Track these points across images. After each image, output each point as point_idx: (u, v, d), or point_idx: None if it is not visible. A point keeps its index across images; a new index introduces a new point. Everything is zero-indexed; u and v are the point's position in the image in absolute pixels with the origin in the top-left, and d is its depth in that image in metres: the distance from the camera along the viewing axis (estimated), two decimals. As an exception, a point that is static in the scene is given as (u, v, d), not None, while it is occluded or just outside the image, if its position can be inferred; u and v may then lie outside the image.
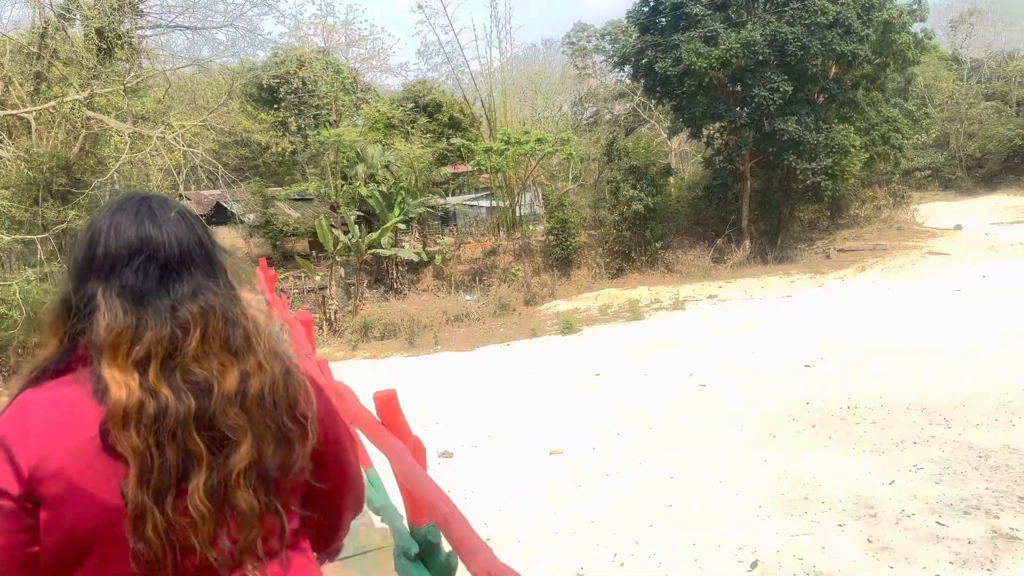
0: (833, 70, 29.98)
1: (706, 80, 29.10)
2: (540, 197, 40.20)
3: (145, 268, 1.31)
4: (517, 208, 36.32)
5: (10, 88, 25.17)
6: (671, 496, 9.80)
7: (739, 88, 30.43)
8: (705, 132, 32.56)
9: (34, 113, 24.21)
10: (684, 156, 43.79)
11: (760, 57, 28.23)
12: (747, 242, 31.37)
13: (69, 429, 1.21)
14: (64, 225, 23.15)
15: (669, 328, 21.42)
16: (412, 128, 37.87)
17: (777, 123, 28.92)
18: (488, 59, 39.30)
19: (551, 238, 31.58)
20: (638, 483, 10.43)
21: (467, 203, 37.36)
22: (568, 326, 22.89)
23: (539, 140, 30.76)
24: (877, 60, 31.65)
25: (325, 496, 1.47)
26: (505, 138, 30.87)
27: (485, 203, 39.36)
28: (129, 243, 1.31)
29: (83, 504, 1.18)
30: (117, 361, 1.23)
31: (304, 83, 38.65)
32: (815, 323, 19.93)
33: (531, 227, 35.18)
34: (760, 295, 25.47)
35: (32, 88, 25.71)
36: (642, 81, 32.83)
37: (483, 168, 32.76)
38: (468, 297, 30.07)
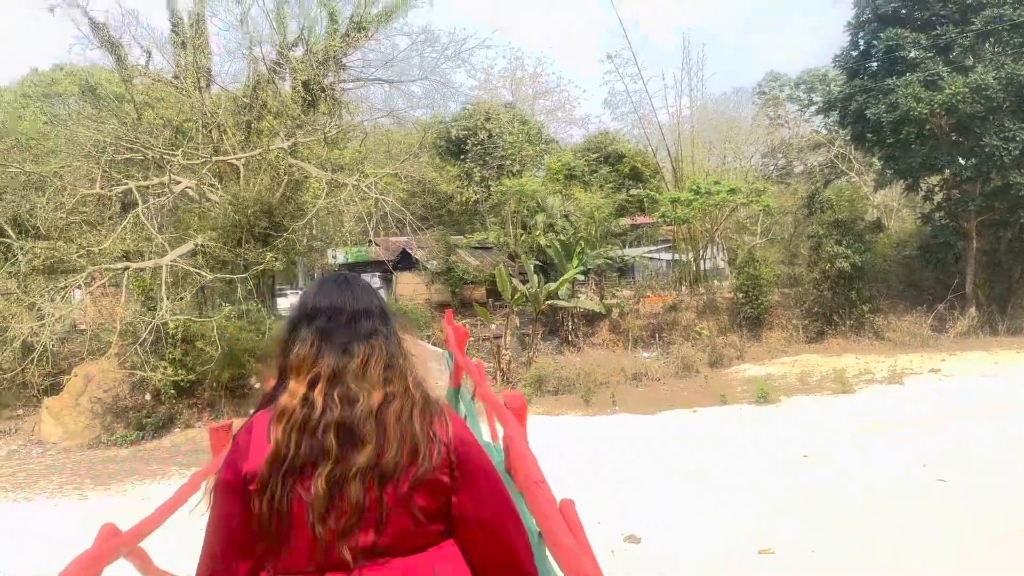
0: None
1: (926, 128, 26.03)
2: (725, 251, 37.96)
3: (334, 317, 1.76)
4: (701, 262, 34.31)
5: (224, 137, 27.20)
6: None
7: (963, 137, 26.99)
8: (923, 185, 29.14)
9: (243, 160, 25.89)
10: (889, 211, 39.87)
11: (994, 102, 24.89)
12: (972, 309, 27.42)
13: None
14: (262, 266, 24.35)
15: (886, 405, 18.63)
16: (593, 178, 37.25)
17: (1012, 176, 25.25)
18: (677, 108, 37.82)
19: (740, 295, 29.30)
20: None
21: (647, 255, 35.87)
22: (764, 395, 20.65)
23: (732, 190, 28.85)
24: None
25: (479, 522, 1.73)
26: (694, 188, 29.24)
27: (666, 256, 37.69)
28: (327, 301, 1.79)
29: None
30: (298, 379, 1.69)
31: (490, 135, 39.28)
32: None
33: (716, 282, 33.02)
34: (994, 371, 21.82)
35: (243, 137, 27.62)
36: (849, 129, 30.07)
37: (668, 219, 31.24)
38: (647, 354, 28.41)
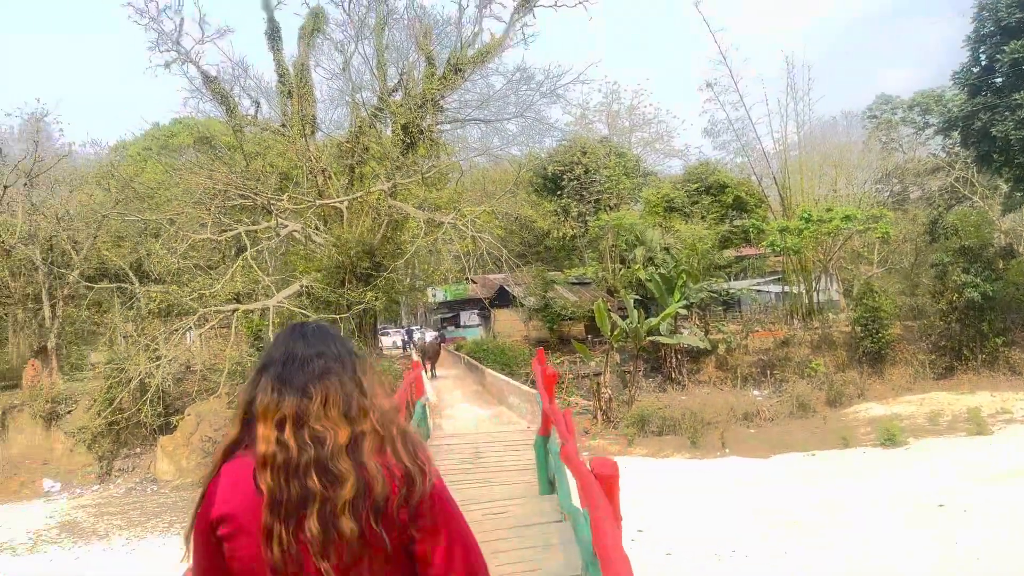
0: None
1: (1063, 143, 23.84)
2: (840, 282, 35.89)
3: (288, 363, 1.80)
4: (814, 294, 32.50)
5: (328, 182, 27.97)
6: None
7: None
8: (1061, 207, 26.66)
9: (346, 203, 26.47)
10: (1019, 237, 36.84)
11: None
12: None
13: (242, 488, 1.68)
14: (363, 305, 24.64)
15: (1031, 448, 16.74)
16: (694, 209, 36.14)
17: None
18: (783, 134, 36.27)
19: (858, 329, 27.43)
20: None
21: (754, 288, 34.30)
22: (890, 437, 19.02)
23: (846, 217, 27.18)
24: None
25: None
26: (805, 216, 27.73)
27: (775, 288, 35.99)
28: (282, 350, 1.83)
29: (248, 540, 1.64)
30: (266, 424, 1.71)
31: (587, 170, 38.91)
32: None
33: (831, 315, 31.12)
34: None
35: (346, 181, 28.31)
36: (972, 149, 27.95)
37: (777, 249, 29.77)
38: (757, 392, 26.92)
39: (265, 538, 1.61)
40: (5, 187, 27.84)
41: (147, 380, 22.53)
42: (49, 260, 30.99)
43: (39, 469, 24.35)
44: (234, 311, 23.47)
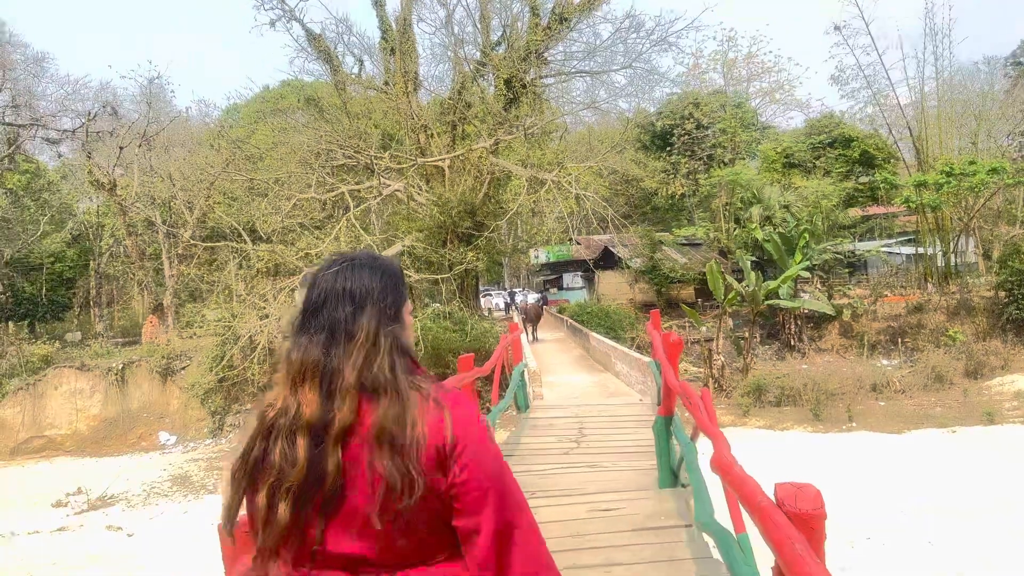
0: None
1: None
2: (980, 243, 32.66)
3: (311, 308, 1.56)
4: (951, 256, 29.63)
5: (430, 140, 27.44)
6: None
7: None
8: None
9: (448, 161, 25.88)
10: None
11: None
12: None
13: None
14: (464, 265, 24.11)
15: None
16: (816, 164, 33.60)
17: None
18: (919, 81, 32.89)
19: (1002, 294, 24.73)
20: None
21: (884, 249, 31.60)
22: (1046, 414, 16.86)
23: (993, 170, 24.34)
24: None
25: (479, 543, 1.47)
26: (947, 169, 25.01)
27: (906, 250, 33.13)
28: (313, 292, 1.58)
29: None
30: (284, 377, 1.50)
31: (698, 125, 36.84)
32: None
33: (969, 279, 28.27)
34: None
35: (448, 139, 27.70)
36: None
37: (912, 206, 27.17)
38: (887, 362, 24.79)
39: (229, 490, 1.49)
40: (121, 148, 28.80)
41: (256, 338, 22.87)
42: (168, 221, 32.22)
43: (156, 422, 25.36)
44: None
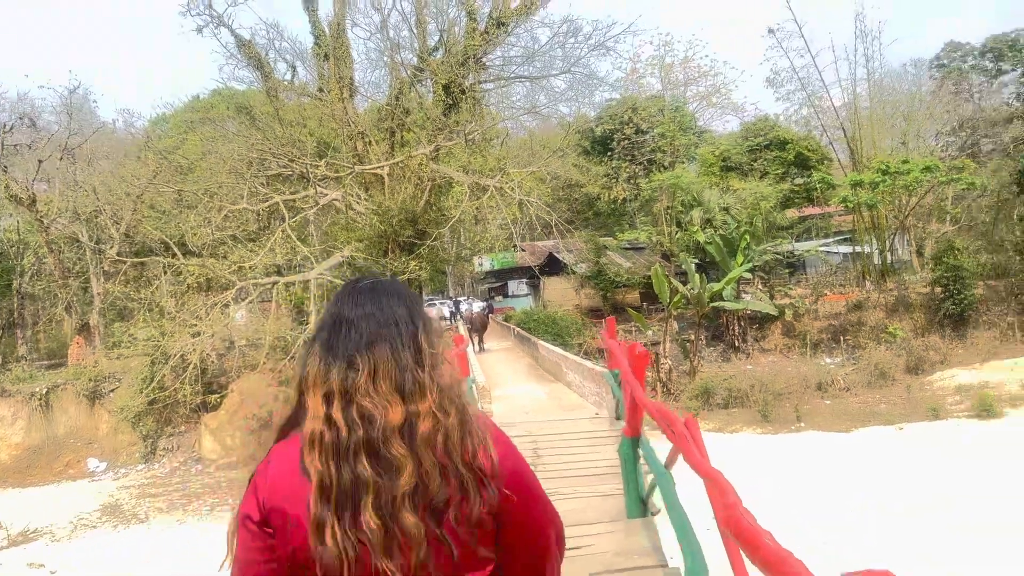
0: None
1: None
2: (913, 241, 33.48)
3: (337, 328, 1.53)
4: (888, 254, 30.27)
5: (368, 147, 26.70)
6: None
7: None
8: None
9: (387, 168, 25.18)
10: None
11: None
12: None
13: (292, 472, 1.43)
14: (407, 275, 23.44)
15: None
16: (753, 167, 34.03)
17: None
18: (851, 82, 33.63)
19: (938, 290, 25.30)
20: None
21: (822, 249, 32.10)
22: (986, 407, 17.13)
23: (927, 169, 24.88)
24: None
25: (522, 560, 1.52)
26: (882, 168, 25.45)
27: (844, 249, 33.76)
28: (335, 312, 1.58)
29: (299, 532, 1.39)
30: (315, 397, 1.46)
31: (637, 129, 36.95)
32: None
33: (906, 277, 28.88)
34: None
35: (387, 146, 27.01)
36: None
37: (849, 205, 27.61)
38: (830, 360, 25.07)
39: (315, 530, 1.36)
40: (40, 161, 27.26)
41: (188, 356, 21.78)
42: (93, 236, 30.60)
43: (84, 449, 23.96)
44: (273, 284, 22.54)
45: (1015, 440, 15.15)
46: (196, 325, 22.03)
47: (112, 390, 25.28)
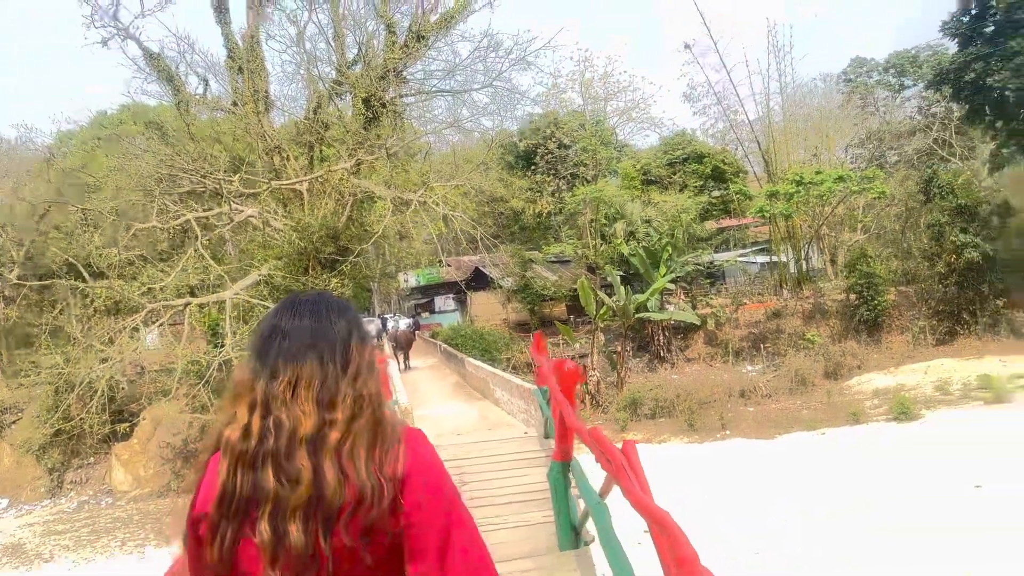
0: None
1: (1066, 89, 22.62)
2: (827, 250, 34.68)
3: (269, 339, 1.54)
4: (804, 263, 31.22)
5: (286, 162, 25.91)
6: None
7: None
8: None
9: (306, 184, 24.46)
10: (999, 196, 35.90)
11: None
12: None
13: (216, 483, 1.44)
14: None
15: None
16: (672, 180, 34.72)
17: None
18: (765, 95, 34.71)
19: (853, 297, 26.19)
20: None
21: (740, 259, 32.90)
22: (903, 410, 17.68)
23: (839, 179, 25.79)
24: None
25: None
26: (797, 179, 26.25)
27: (761, 258, 34.68)
28: (269, 323, 1.59)
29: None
30: (240, 406, 1.48)
31: (560, 144, 37.20)
32: None
33: (821, 284, 29.85)
34: None
35: (306, 161, 26.30)
36: (963, 103, 26.75)
37: (765, 216, 28.36)
38: (751, 368, 25.60)
39: (210, 538, 1.40)
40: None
41: (95, 384, 20.54)
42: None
43: (-17, 486, 22.34)
44: (186, 305, 21.52)
45: (932, 441, 15.66)
46: (104, 351, 20.82)
47: (14, 422, 23.82)
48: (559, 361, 4.77)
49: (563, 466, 4.69)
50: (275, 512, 1.38)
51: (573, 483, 4.55)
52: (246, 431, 1.44)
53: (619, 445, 2.81)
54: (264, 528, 1.37)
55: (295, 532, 1.37)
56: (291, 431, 1.43)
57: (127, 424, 22.31)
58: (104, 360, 20.98)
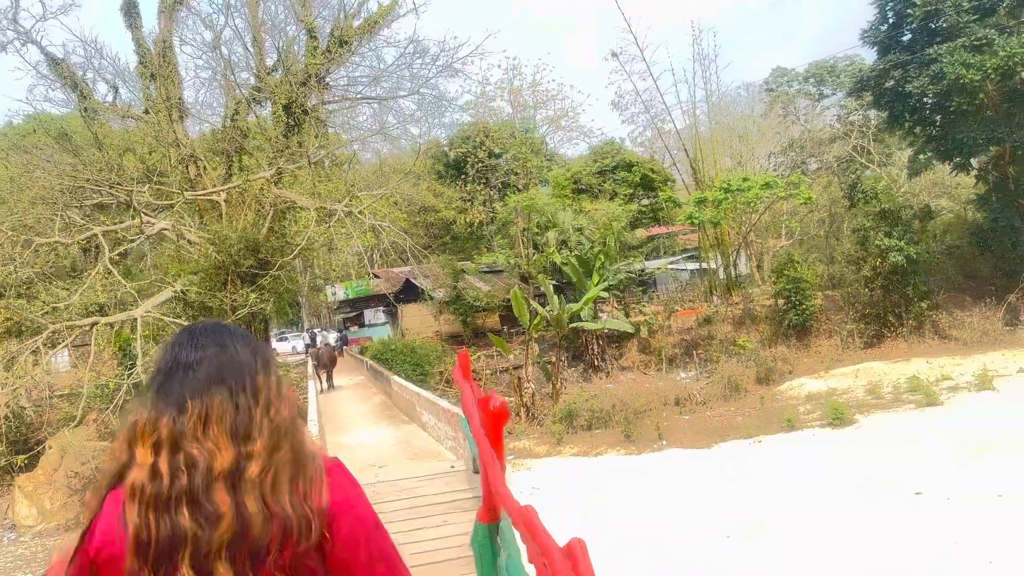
0: None
1: (979, 98, 23.32)
2: (754, 256, 35.18)
3: (172, 373, 1.46)
4: (732, 269, 31.52)
5: (203, 172, 24.69)
6: None
7: (1019, 108, 24.34)
8: (975, 164, 26.35)
9: (223, 194, 23.32)
10: (918, 201, 37.30)
11: (1054, 64, 22.27)
12: (1050, 297, 24.51)
13: (118, 527, 1.37)
14: (248, 308, 21.66)
15: (989, 417, 15.70)
16: (603, 188, 34.69)
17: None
18: (691, 103, 35.11)
19: (781, 302, 26.47)
20: None
21: (671, 266, 33.04)
22: (838, 415, 17.75)
23: (766, 185, 26.06)
24: None
25: None
26: (724, 186, 26.43)
27: (691, 265, 34.92)
28: (169, 356, 1.50)
29: None
30: (143, 447, 1.40)
31: (490, 153, 36.78)
32: None
33: (750, 290, 30.18)
34: (1095, 367, 18.94)
35: (224, 170, 25.13)
36: (884, 110, 27.43)
37: (694, 223, 28.47)
38: (684, 375, 25.56)
39: None
40: None
41: (-8, 411, 19.00)
42: None
43: None
44: (93, 325, 20.14)
45: (867, 445, 15.71)
46: (3, 376, 19.29)
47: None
48: (484, 399, 3.97)
49: (490, 529, 3.92)
50: (196, 554, 1.33)
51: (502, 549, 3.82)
52: (154, 472, 1.36)
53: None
54: (186, 572, 1.32)
55: (223, 572, 1.33)
56: (206, 467, 1.37)
57: (24, 457, 20.72)
58: (2, 386, 19.49)
